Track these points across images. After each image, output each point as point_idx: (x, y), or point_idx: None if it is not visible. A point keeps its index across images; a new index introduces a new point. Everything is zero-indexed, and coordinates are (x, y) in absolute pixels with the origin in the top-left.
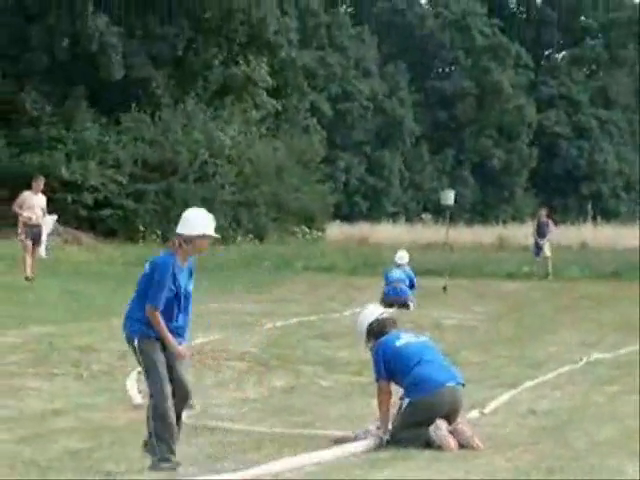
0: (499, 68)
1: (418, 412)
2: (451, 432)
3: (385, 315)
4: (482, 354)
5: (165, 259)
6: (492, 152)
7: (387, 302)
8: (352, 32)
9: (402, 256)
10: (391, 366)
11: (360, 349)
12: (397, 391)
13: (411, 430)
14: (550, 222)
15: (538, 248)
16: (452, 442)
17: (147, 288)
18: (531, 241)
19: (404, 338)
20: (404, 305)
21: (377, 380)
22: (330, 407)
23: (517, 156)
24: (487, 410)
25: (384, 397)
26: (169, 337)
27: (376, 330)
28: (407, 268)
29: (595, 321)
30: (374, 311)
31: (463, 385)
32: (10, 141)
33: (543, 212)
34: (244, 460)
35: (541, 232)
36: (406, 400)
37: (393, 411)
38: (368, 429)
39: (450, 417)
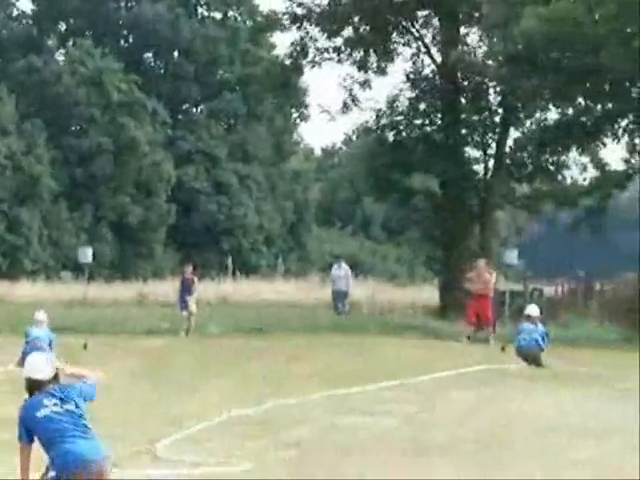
0: (136, 124)
1: None
2: None
3: (41, 375)
4: (122, 411)
5: None
6: (130, 208)
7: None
8: None
9: (39, 315)
10: (33, 433)
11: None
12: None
13: None
14: (195, 278)
15: (184, 303)
16: None
17: None
18: (175, 297)
19: (48, 406)
20: None
21: (19, 440)
22: None
23: (156, 212)
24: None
25: (24, 457)
26: None
27: (28, 385)
28: (45, 328)
29: (237, 377)
30: (36, 364)
31: (108, 456)
32: None
33: (189, 268)
34: None
35: (187, 288)
36: (51, 473)
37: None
38: None
39: None
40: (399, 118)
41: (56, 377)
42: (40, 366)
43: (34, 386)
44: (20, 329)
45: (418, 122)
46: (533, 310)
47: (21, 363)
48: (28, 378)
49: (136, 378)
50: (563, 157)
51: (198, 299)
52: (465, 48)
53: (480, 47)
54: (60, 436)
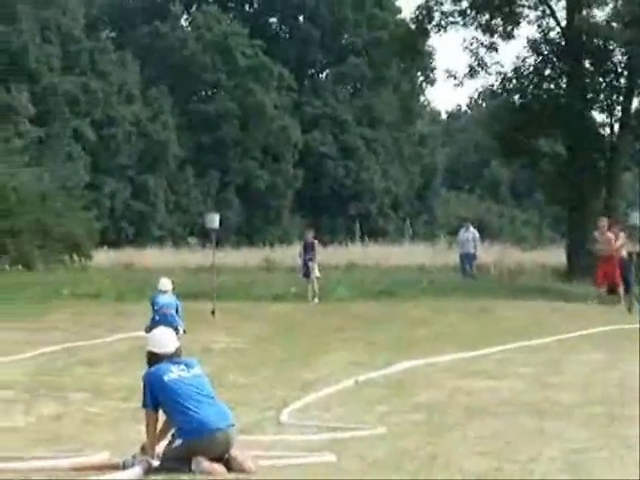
0: (262, 89)
1: (190, 452)
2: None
3: (165, 349)
4: (250, 376)
5: None
6: (257, 174)
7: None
8: (113, 57)
9: (164, 283)
10: (159, 399)
11: (127, 375)
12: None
13: (179, 461)
14: (316, 242)
15: (306, 268)
16: (218, 468)
17: None
18: (299, 262)
19: (174, 372)
20: (175, 331)
21: (144, 407)
22: (99, 434)
23: (282, 177)
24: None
25: (151, 424)
26: None
27: (149, 358)
28: (171, 294)
29: (365, 341)
30: (160, 338)
31: (233, 425)
32: None
33: (310, 233)
34: None
35: (309, 252)
36: (178, 440)
37: (166, 438)
38: (135, 455)
39: (222, 455)
40: (525, 82)
41: (177, 351)
42: (164, 340)
43: (155, 359)
44: (147, 296)
45: (544, 86)
46: None
47: (149, 330)
48: (150, 351)
49: (264, 343)
50: None
51: (325, 264)
52: (590, 11)
53: (604, 10)
54: (186, 402)
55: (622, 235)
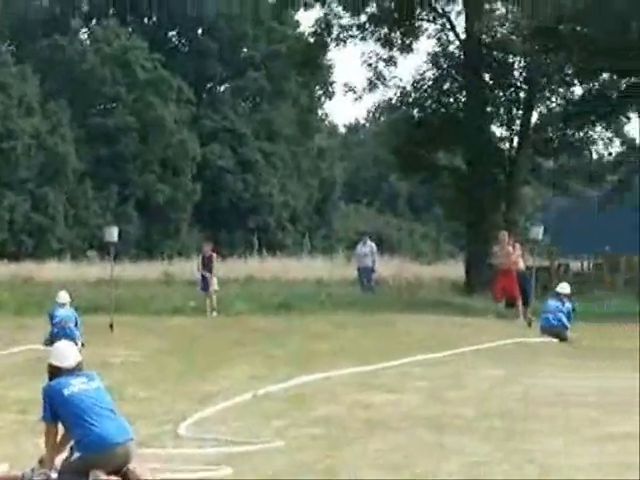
0: (161, 103)
1: (88, 465)
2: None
3: (67, 363)
4: (149, 390)
5: None
6: (156, 187)
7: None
8: (13, 70)
9: (63, 296)
10: (59, 412)
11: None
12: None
13: (76, 474)
14: (214, 255)
15: (204, 282)
16: None
17: None
18: (197, 276)
19: (75, 385)
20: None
21: (43, 420)
22: None
23: (181, 191)
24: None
25: (50, 437)
26: None
27: (50, 371)
28: (69, 308)
29: (264, 354)
30: (62, 352)
31: (133, 439)
32: None
33: (208, 246)
34: None
35: (207, 266)
36: (76, 453)
37: (64, 451)
38: (34, 469)
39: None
40: (424, 96)
41: (78, 365)
42: (66, 354)
43: (57, 372)
44: (46, 309)
45: (443, 99)
46: (564, 288)
47: (48, 343)
48: (52, 364)
49: (162, 357)
50: (588, 132)
51: (223, 277)
52: (490, 23)
53: (504, 23)
54: (86, 416)
55: (518, 246)
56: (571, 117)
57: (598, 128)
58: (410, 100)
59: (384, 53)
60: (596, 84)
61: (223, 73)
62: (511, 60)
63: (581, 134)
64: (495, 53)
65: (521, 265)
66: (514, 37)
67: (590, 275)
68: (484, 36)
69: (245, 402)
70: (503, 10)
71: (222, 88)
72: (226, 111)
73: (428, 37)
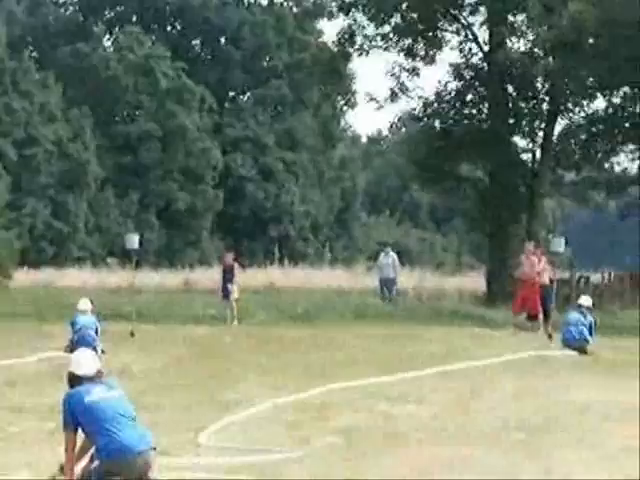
0: (183, 111)
1: (108, 473)
2: None
3: (87, 371)
4: (169, 398)
5: None
6: (177, 195)
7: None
8: (36, 77)
9: (84, 303)
10: (80, 420)
11: (47, 395)
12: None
13: None
14: (235, 264)
15: (226, 291)
16: None
17: None
18: (220, 284)
19: (95, 393)
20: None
21: (64, 428)
22: (18, 454)
23: (202, 199)
24: None
25: (70, 445)
26: None
27: (70, 379)
28: (90, 315)
29: (284, 364)
30: (82, 360)
31: (154, 448)
32: None
33: (229, 255)
34: None
35: (228, 275)
36: (97, 461)
37: (85, 458)
38: (55, 476)
39: (140, 478)
40: (446, 107)
41: (98, 373)
42: (85, 362)
43: (77, 380)
44: (67, 316)
45: (466, 111)
46: (585, 300)
47: (69, 351)
48: (72, 372)
49: (182, 365)
50: (611, 145)
51: (243, 286)
52: (513, 39)
53: (527, 35)
54: (108, 424)
55: (544, 259)
56: (594, 130)
57: (620, 139)
58: (432, 111)
59: (407, 63)
60: (618, 98)
61: (245, 82)
62: (534, 72)
63: (604, 147)
64: (517, 66)
65: (545, 278)
66: (536, 50)
67: (610, 287)
68: (507, 47)
69: (265, 411)
70: (525, 22)
71: (244, 97)
72: (248, 120)
73: (451, 48)
